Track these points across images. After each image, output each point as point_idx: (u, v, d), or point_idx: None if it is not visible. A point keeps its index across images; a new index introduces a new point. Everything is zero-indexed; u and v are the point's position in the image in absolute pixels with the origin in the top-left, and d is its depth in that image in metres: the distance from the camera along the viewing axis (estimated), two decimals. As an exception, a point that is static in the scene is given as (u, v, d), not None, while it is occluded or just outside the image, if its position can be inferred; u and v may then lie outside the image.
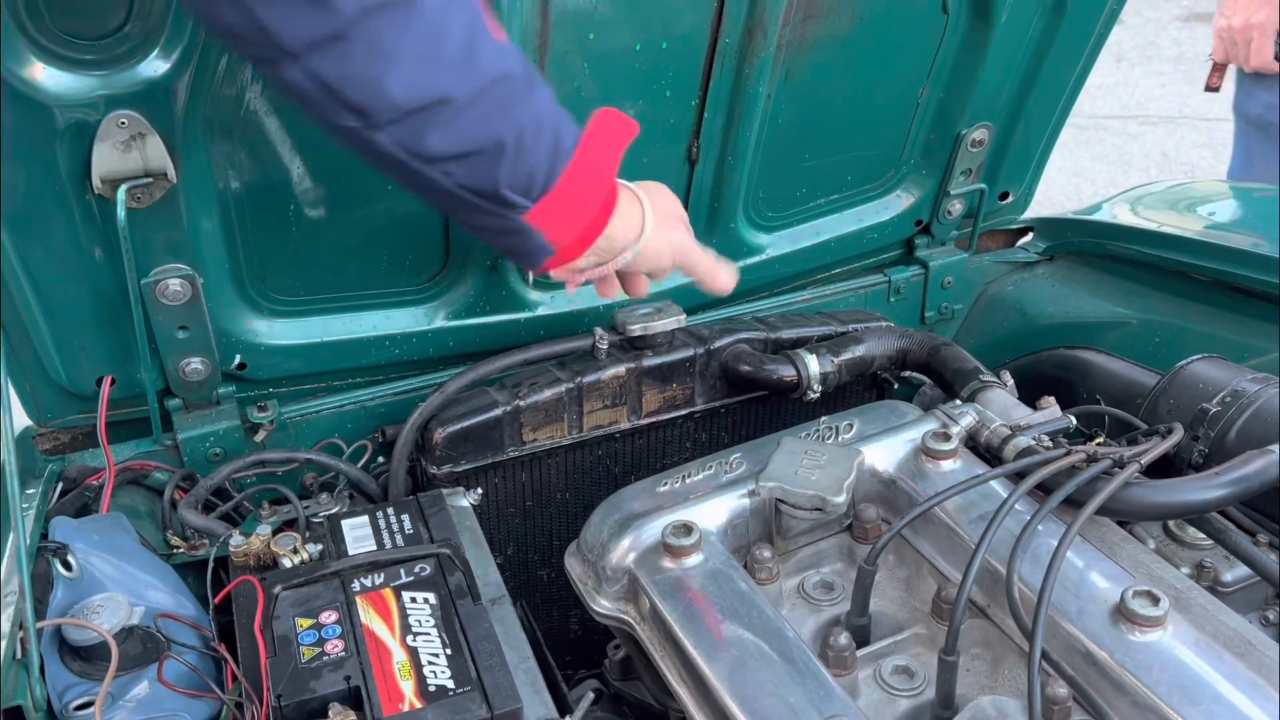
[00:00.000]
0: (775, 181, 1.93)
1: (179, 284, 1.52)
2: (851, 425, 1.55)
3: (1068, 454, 1.36)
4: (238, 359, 1.67)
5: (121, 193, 1.39)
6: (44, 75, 1.29)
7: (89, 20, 1.28)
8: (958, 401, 1.60)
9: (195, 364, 1.61)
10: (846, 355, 1.82)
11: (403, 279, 1.74)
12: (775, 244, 2.02)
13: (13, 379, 1.57)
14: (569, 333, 1.82)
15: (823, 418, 1.58)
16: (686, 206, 1.90)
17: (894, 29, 1.79)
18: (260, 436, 1.71)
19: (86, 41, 1.29)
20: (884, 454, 1.49)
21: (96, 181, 1.38)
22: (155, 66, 1.33)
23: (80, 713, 1.20)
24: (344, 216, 1.62)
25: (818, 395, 1.80)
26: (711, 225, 1.93)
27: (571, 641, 1.96)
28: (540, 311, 1.86)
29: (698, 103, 1.74)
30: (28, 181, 1.37)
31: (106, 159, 1.37)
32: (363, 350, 1.76)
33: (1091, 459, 1.34)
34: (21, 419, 1.62)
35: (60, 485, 1.55)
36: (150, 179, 1.40)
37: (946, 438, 1.46)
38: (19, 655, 1.07)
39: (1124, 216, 2.18)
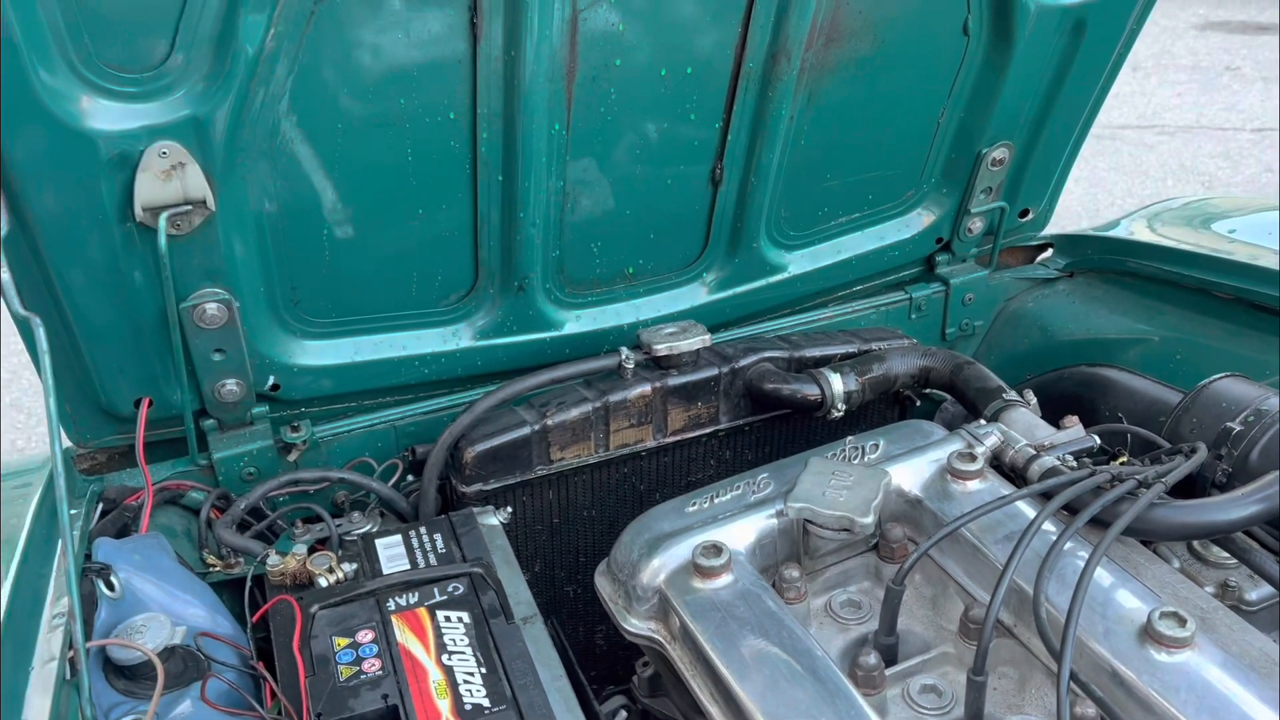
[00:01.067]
0: (797, 201, 1.95)
1: (216, 308, 1.55)
2: (877, 445, 1.57)
3: (1093, 474, 1.37)
4: (271, 380, 1.70)
5: (162, 220, 1.42)
6: (89, 107, 1.33)
7: (134, 54, 1.32)
8: (982, 421, 1.62)
9: (230, 385, 1.64)
10: (870, 374, 1.83)
11: (432, 300, 1.77)
12: (797, 262, 2.04)
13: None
14: (595, 352, 1.84)
15: (849, 437, 1.59)
16: (710, 226, 1.94)
17: (915, 51, 1.81)
18: (293, 456, 1.74)
19: (131, 74, 1.33)
20: (910, 474, 1.50)
21: (139, 210, 1.41)
22: (197, 98, 1.37)
23: (126, 731, 1.22)
24: (374, 239, 1.65)
25: (841, 414, 1.82)
26: (734, 244, 1.95)
27: (597, 657, 1.98)
28: (567, 330, 1.89)
29: (722, 125, 1.76)
30: (71, 209, 1.40)
31: (148, 188, 1.40)
32: (393, 370, 1.79)
33: (1116, 479, 1.36)
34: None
35: (100, 505, 1.58)
36: (190, 206, 1.44)
37: (972, 458, 1.48)
38: (69, 676, 1.10)
39: (1142, 233, 2.19)
